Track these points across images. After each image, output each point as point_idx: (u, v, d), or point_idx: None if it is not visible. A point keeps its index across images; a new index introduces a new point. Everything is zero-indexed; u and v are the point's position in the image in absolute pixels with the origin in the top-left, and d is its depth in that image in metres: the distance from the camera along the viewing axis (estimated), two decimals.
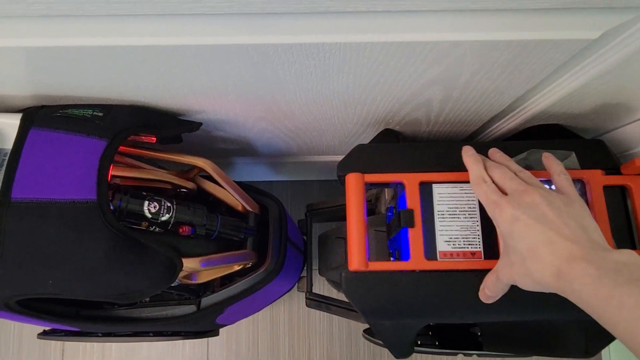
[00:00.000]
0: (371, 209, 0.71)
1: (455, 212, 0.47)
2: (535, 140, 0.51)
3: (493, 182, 0.43)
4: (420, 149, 0.49)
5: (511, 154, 0.48)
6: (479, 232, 0.46)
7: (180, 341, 0.98)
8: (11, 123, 0.43)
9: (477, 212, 0.47)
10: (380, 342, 0.67)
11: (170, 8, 0.32)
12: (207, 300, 0.58)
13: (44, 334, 0.69)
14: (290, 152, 0.72)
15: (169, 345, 0.98)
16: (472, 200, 0.47)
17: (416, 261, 0.45)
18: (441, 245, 0.46)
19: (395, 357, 0.53)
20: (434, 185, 0.48)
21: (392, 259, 0.53)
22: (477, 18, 0.33)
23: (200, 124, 0.51)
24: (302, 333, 0.97)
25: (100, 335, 0.65)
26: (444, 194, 0.48)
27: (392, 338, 0.51)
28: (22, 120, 0.43)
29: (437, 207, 0.47)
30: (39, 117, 0.43)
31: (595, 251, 0.36)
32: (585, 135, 0.58)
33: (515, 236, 0.39)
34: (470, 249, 0.46)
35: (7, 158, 0.43)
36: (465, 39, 0.34)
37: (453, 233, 0.47)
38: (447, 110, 0.52)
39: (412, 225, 0.46)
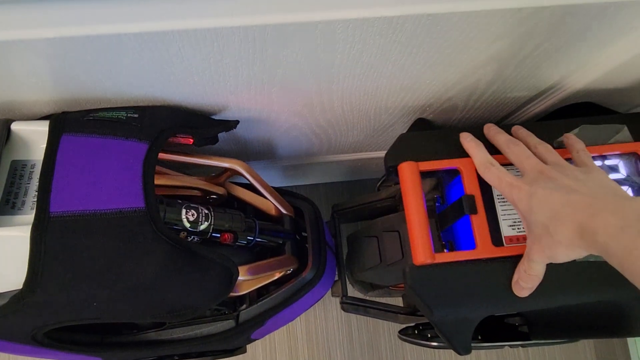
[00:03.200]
0: (394, 206, 0.69)
1: None
2: (574, 119, 0.50)
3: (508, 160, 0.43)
4: (471, 133, 0.47)
5: (557, 134, 0.46)
6: None
7: None
8: (38, 130, 0.39)
9: None
10: (422, 342, 0.65)
11: None
12: (246, 314, 0.54)
13: None
14: (310, 153, 0.69)
15: None
16: None
17: (483, 249, 0.43)
18: (506, 230, 0.44)
19: (459, 354, 0.50)
20: None
21: (445, 250, 0.50)
22: None
23: (237, 121, 0.47)
24: (321, 344, 0.94)
25: None
26: None
27: (455, 334, 0.48)
28: (51, 126, 0.38)
29: (496, 191, 0.45)
30: (68, 122, 0.39)
31: (616, 201, 0.34)
32: (618, 110, 0.57)
33: (534, 209, 0.38)
34: None
35: (35, 169, 0.39)
36: (552, 3, 0.32)
37: (516, 216, 0.45)
38: (489, 93, 0.50)
39: (475, 212, 0.44)
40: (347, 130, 0.59)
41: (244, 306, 0.55)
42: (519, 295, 0.42)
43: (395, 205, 0.69)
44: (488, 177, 0.42)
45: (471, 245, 0.44)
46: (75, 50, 0.33)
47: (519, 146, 0.43)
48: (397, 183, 0.72)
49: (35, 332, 0.42)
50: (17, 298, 0.36)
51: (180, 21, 0.31)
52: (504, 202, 0.45)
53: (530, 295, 0.42)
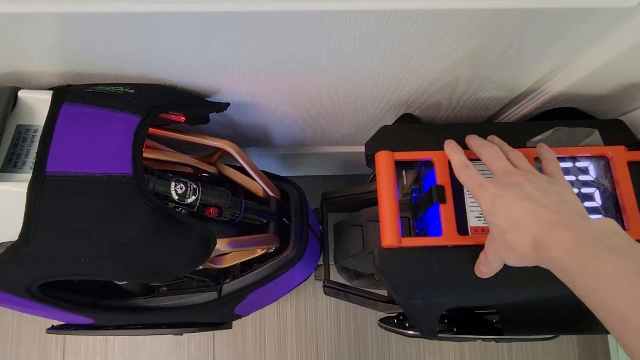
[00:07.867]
0: None
1: None
2: (551, 121, 0.52)
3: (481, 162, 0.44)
4: (447, 129, 0.50)
5: (533, 134, 0.49)
6: None
7: (186, 340, 0.96)
8: (42, 98, 0.43)
9: None
10: (399, 330, 0.67)
11: None
12: (228, 287, 0.57)
13: (54, 329, 0.67)
14: (304, 142, 0.72)
15: (174, 344, 0.96)
16: None
17: (449, 236, 0.46)
18: (472, 221, 0.47)
19: (424, 338, 0.53)
20: None
21: None
22: None
23: (228, 104, 0.51)
24: (310, 330, 0.97)
25: (111, 328, 0.64)
26: None
27: (421, 317, 0.51)
28: (54, 95, 0.42)
29: None
30: (70, 92, 0.43)
31: (574, 219, 0.36)
32: (599, 117, 0.59)
33: (496, 212, 0.39)
34: None
35: (37, 133, 0.43)
36: (510, 6, 0.34)
37: None
38: (470, 92, 0.52)
39: (444, 201, 0.46)
40: (337, 121, 0.62)
41: (228, 280, 0.58)
42: (478, 276, 0.45)
43: None
44: (461, 177, 0.44)
45: (439, 233, 0.47)
46: (78, 26, 0.37)
47: (493, 149, 0.44)
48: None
49: (30, 285, 0.46)
50: (13, 248, 0.40)
51: (166, 4, 0.34)
52: None
53: (489, 285, 0.45)
